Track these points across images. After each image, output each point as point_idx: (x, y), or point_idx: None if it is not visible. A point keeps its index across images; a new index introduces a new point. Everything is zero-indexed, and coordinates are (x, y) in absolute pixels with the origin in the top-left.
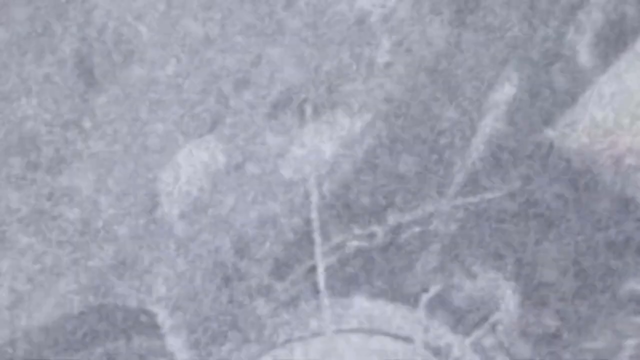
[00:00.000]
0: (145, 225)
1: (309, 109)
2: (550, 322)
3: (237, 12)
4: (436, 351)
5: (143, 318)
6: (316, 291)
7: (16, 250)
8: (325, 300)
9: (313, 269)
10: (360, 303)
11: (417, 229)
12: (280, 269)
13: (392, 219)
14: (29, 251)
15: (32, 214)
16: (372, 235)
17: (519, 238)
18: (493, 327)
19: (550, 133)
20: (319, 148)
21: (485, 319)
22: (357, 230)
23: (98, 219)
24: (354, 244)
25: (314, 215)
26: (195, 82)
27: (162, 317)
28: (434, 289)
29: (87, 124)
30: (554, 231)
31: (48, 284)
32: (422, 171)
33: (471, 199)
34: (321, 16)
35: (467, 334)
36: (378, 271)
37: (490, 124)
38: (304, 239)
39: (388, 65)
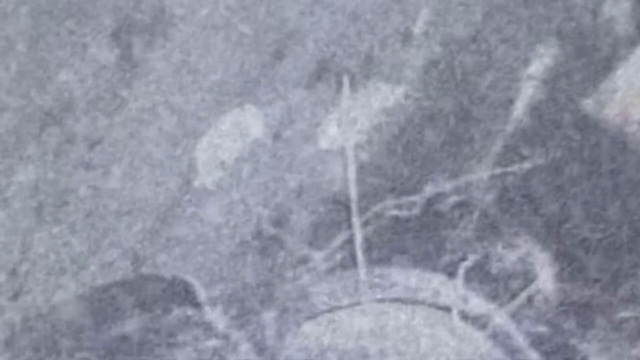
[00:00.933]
0: (183, 194)
1: (346, 79)
2: (587, 292)
3: None
4: (474, 320)
5: (180, 288)
6: (354, 261)
7: (53, 222)
8: (363, 270)
9: (351, 239)
10: (398, 272)
11: (455, 199)
12: (318, 239)
13: (429, 188)
14: (66, 222)
15: (71, 184)
16: (410, 205)
17: (556, 208)
18: (531, 297)
19: (588, 102)
20: (356, 118)
21: (523, 288)
22: (395, 200)
23: (135, 189)
24: (391, 213)
25: (351, 185)
26: (233, 52)
27: (200, 287)
28: (472, 259)
29: (124, 93)
30: (593, 201)
31: (85, 255)
32: (459, 141)
33: (509, 169)
34: None
35: (504, 303)
36: (416, 241)
37: (528, 94)
38: (342, 208)
39: (425, 35)
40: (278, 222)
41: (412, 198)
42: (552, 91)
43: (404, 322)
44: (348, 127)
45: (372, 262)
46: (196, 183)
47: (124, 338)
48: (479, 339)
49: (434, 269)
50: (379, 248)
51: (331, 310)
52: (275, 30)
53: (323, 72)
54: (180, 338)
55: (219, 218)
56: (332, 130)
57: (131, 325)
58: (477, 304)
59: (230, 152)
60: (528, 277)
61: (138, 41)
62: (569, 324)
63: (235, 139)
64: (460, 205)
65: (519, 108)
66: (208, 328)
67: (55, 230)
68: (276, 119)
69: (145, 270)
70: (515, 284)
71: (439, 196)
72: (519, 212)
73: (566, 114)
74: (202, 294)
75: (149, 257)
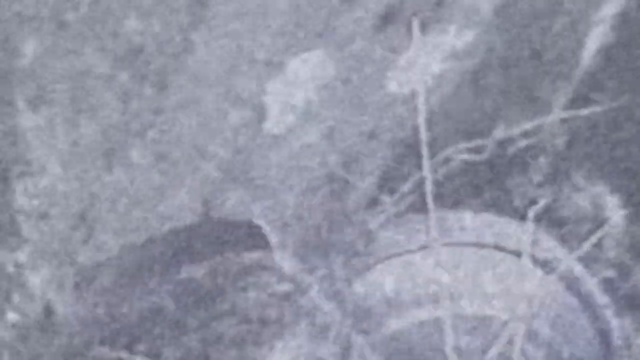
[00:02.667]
0: (253, 137)
1: (416, 23)
2: None
3: None
4: (543, 264)
5: (251, 232)
6: (424, 204)
7: (125, 165)
8: (433, 214)
9: (421, 183)
10: (468, 216)
11: (524, 142)
12: (388, 183)
13: (499, 132)
14: (137, 165)
15: (140, 128)
16: (479, 149)
17: (626, 151)
18: (600, 241)
19: None
20: (426, 62)
21: (592, 232)
22: (465, 144)
23: (205, 132)
24: (461, 157)
25: (421, 128)
26: None
27: (270, 230)
28: (541, 202)
29: (194, 37)
30: None
31: (155, 199)
32: (529, 84)
33: (579, 112)
34: None
35: (574, 247)
36: (486, 184)
37: (598, 37)
38: (412, 152)
39: None
40: (348, 166)
41: (482, 142)
42: (622, 35)
43: (473, 266)
44: (418, 70)
45: (442, 205)
46: (266, 127)
47: (194, 282)
48: (548, 283)
49: (504, 213)
50: (449, 192)
51: (401, 254)
52: None
53: (393, 16)
54: (250, 281)
55: (289, 162)
56: (402, 74)
57: (201, 269)
58: (547, 247)
59: (300, 96)
60: (598, 221)
61: None
62: (639, 268)
63: (305, 83)
64: (530, 148)
65: (589, 52)
66: (278, 272)
67: (125, 174)
68: (346, 63)
69: (214, 214)
70: (585, 228)
71: (509, 140)
72: (588, 156)
73: (635, 58)
74: (272, 238)
75: (219, 201)
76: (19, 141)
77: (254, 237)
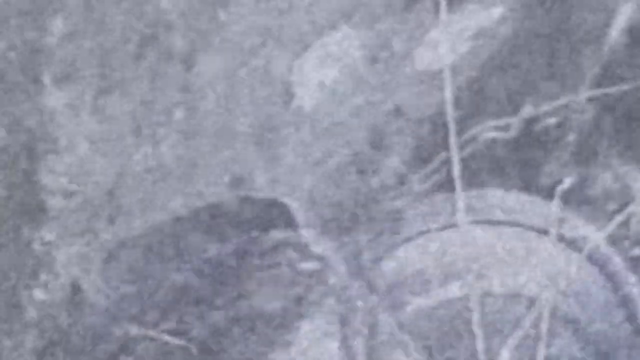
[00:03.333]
0: (280, 116)
1: (444, 1)
2: None
3: None
4: (570, 243)
5: (277, 210)
6: (451, 183)
7: (151, 142)
8: (460, 192)
9: (448, 161)
10: (495, 194)
11: (552, 120)
12: (415, 161)
13: (527, 110)
14: (163, 142)
15: (168, 106)
16: (507, 127)
17: None
18: (628, 219)
19: None
20: (453, 39)
21: (620, 210)
22: (492, 122)
23: (232, 111)
24: (489, 135)
25: (448, 106)
26: None
27: (296, 209)
28: (568, 181)
29: (222, 15)
30: None
31: (182, 177)
32: (557, 62)
33: (607, 90)
34: None
35: (602, 226)
36: (513, 163)
37: (627, 14)
38: (439, 130)
39: None
40: (375, 144)
41: (509, 120)
42: None
43: (500, 245)
44: (445, 49)
45: (469, 184)
46: (293, 105)
47: (221, 260)
48: (576, 261)
49: (531, 191)
50: (476, 170)
51: (427, 232)
52: None
53: None
54: (276, 260)
55: (316, 140)
56: (430, 52)
57: (228, 247)
58: (574, 226)
59: (328, 74)
60: (625, 199)
61: None
62: None
63: (332, 61)
64: (558, 127)
65: (617, 29)
66: (304, 250)
67: (152, 151)
68: (373, 41)
69: (242, 192)
70: (612, 206)
71: (536, 118)
72: (616, 134)
73: None
74: (299, 216)
75: (246, 179)
76: (46, 119)
77: (281, 215)
